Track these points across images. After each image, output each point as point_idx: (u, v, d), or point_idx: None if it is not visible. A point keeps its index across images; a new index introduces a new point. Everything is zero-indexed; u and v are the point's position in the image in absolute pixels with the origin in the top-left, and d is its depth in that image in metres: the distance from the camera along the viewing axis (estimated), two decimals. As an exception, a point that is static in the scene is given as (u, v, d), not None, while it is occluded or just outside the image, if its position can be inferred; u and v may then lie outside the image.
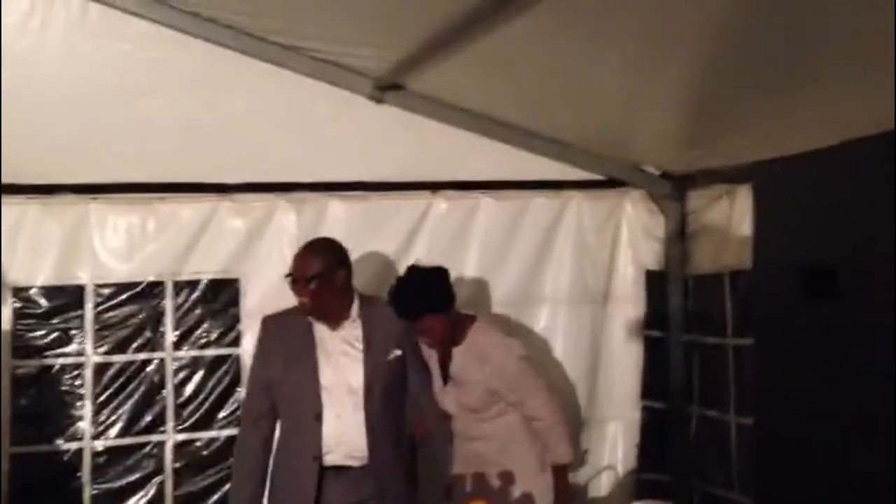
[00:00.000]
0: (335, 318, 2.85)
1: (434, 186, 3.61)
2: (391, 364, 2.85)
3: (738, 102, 2.74)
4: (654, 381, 3.75)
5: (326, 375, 2.81)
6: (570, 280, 3.72)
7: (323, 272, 2.78)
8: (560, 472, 2.92)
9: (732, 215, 3.40)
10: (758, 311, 3.12)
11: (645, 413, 3.76)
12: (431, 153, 3.56)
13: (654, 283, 3.78)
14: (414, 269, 2.97)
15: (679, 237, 3.72)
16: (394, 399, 2.86)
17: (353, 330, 2.86)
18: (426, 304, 2.85)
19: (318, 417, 2.78)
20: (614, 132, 3.46)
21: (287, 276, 2.82)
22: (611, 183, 3.80)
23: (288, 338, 2.87)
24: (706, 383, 3.62)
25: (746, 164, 3.16)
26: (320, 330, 2.86)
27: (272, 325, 2.95)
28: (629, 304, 3.79)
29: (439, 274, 2.95)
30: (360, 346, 2.84)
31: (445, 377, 3.00)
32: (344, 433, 2.78)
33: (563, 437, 2.94)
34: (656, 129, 3.32)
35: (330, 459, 2.79)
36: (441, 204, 3.61)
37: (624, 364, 3.77)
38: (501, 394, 2.91)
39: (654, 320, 3.77)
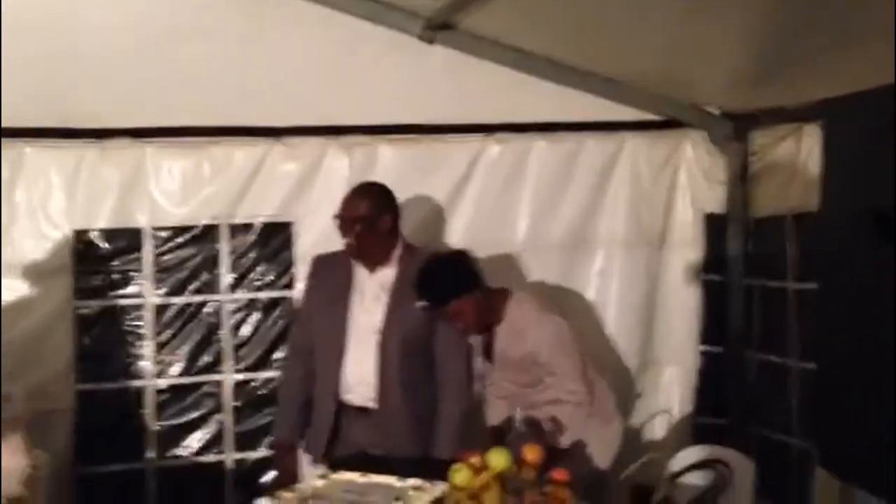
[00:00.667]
0: (376, 262, 2.86)
1: (486, 129, 3.56)
2: (417, 312, 2.83)
3: (805, 36, 2.61)
4: (712, 326, 3.69)
5: (356, 317, 2.84)
6: (626, 223, 3.66)
7: (369, 215, 2.80)
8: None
9: (798, 155, 3.28)
10: (822, 254, 3.02)
11: (702, 358, 3.71)
12: (483, 95, 3.50)
13: (714, 226, 3.69)
14: (434, 256, 2.94)
15: (740, 179, 3.62)
16: (414, 346, 2.85)
17: (389, 274, 2.87)
18: (451, 288, 2.81)
19: (341, 356, 2.82)
20: (673, 71, 3.35)
21: (335, 217, 2.84)
22: (669, 124, 3.69)
23: (331, 277, 2.93)
24: (766, 328, 3.55)
25: (815, 101, 3.03)
26: (360, 272, 2.89)
27: (319, 263, 3.03)
28: (687, 247, 3.72)
29: (461, 256, 2.95)
30: (388, 289, 2.85)
31: (490, 356, 2.99)
32: (363, 374, 2.82)
33: (576, 427, 2.87)
34: (718, 66, 3.20)
35: (349, 399, 2.84)
36: (493, 147, 3.56)
37: (681, 309, 3.72)
38: (544, 366, 2.90)
39: (713, 264, 3.70)
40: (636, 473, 2.73)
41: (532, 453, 2.17)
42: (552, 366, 2.89)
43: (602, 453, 2.94)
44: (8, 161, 3.16)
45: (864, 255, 1.80)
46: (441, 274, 2.84)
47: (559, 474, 2.12)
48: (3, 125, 3.03)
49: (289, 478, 2.79)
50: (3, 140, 3.11)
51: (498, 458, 2.12)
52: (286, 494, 2.25)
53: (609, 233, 3.65)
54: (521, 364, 2.93)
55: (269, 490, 2.37)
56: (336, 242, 2.94)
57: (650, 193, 3.68)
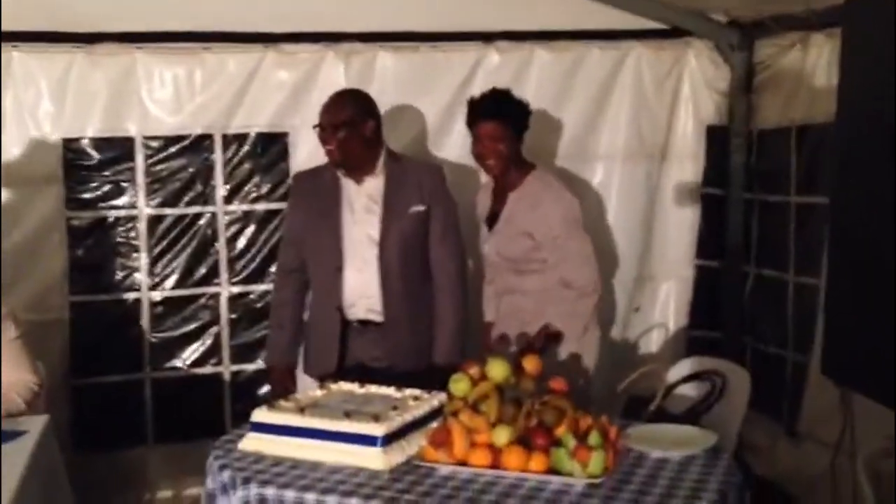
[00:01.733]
0: (361, 171, 2.80)
1: (486, 37, 3.46)
2: (412, 218, 2.79)
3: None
4: (710, 240, 3.67)
5: (348, 229, 2.80)
6: (627, 135, 3.59)
7: (350, 121, 2.72)
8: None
9: (805, 65, 3.20)
10: (834, 167, 2.96)
11: (699, 271, 3.70)
12: (483, 2, 3.39)
13: (715, 138, 3.63)
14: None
15: (744, 90, 3.54)
16: (413, 255, 2.82)
17: (376, 184, 2.81)
18: (503, 105, 2.86)
19: (340, 271, 2.79)
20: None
21: (315, 126, 2.77)
22: (672, 33, 3.59)
23: (316, 193, 2.86)
24: (765, 242, 3.53)
25: (829, 6, 2.92)
26: (347, 185, 2.82)
27: (302, 180, 2.96)
28: (688, 160, 3.67)
29: (521, 99, 2.95)
30: (376, 199, 2.80)
31: (492, 222, 2.96)
32: (364, 287, 2.79)
33: (587, 312, 2.86)
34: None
35: (352, 313, 2.82)
36: (493, 55, 3.46)
37: (680, 222, 3.69)
38: (543, 247, 2.86)
39: (714, 178, 3.65)
40: (632, 385, 2.75)
41: (530, 363, 2.16)
42: (563, 243, 2.84)
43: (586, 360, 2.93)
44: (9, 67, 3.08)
45: (879, 167, 1.75)
46: (503, 92, 2.91)
47: (557, 384, 2.12)
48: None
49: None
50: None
51: (497, 369, 2.12)
52: (284, 404, 2.25)
53: (609, 145, 3.59)
54: (518, 235, 2.89)
55: (266, 401, 2.37)
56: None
57: (652, 104, 3.60)
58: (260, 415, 2.18)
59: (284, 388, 2.80)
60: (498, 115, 2.85)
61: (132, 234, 3.28)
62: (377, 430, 2.02)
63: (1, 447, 2.14)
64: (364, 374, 2.64)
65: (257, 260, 3.39)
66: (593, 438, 1.93)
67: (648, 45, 3.56)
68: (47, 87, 3.13)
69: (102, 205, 3.24)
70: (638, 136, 3.61)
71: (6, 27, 2.97)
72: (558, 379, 2.16)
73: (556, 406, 1.97)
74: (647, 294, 3.70)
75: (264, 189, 3.38)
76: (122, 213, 3.26)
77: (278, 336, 2.94)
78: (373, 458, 2.00)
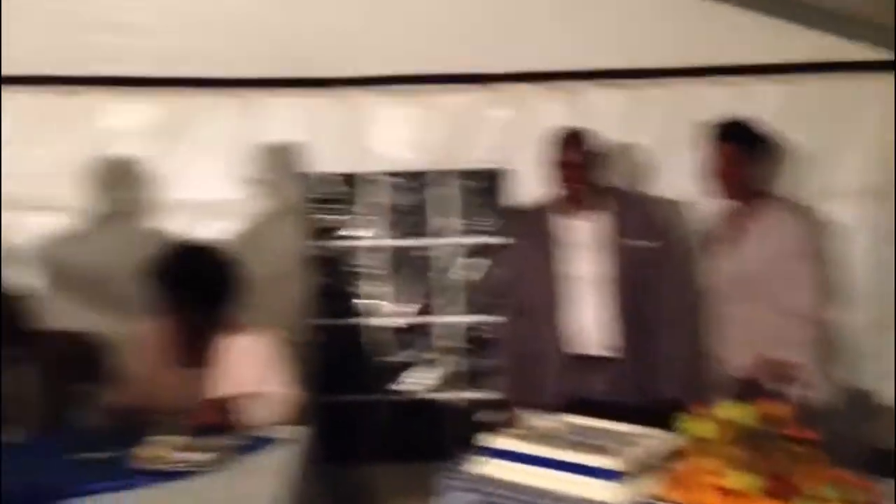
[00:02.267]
0: (588, 208, 2.85)
1: (700, 72, 3.40)
2: (639, 253, 2.79)
3: None
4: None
5: (576, 266, 2.84)
6: (859, 171, 3.41)
7: (585, 161, 2.80)
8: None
9: None
10: None
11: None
12: (698, 35, 3.36)
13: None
14: None
15: None
16: (640, 289, 2.81)
17: (601, 219, 2.84)
18: (744, 129, 2.97)
19: (564, 306, 2.81)
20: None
21: (551, 163, 2.85)
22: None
23: (536, 229, 2.93)
24: None
25: None
26: (569, 220, 2.87)
27: (521, 216, 3.04)
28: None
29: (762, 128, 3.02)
30: (606, 235, 2.82)
31: (726, 249, 2.91)
32: (589, 322, 2.81)
33: (812, 341, 2.76)
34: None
35: (577, 348, 2.84)
36: (709, 89, 3.38)
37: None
38: (779, 273, 2.78)
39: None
40: (872, 437, 2.60)
41: (777, 408, 2.09)
42: (795, 266, 2.79)
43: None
44: (251, 110, 3.39)
45: None
46: (745, 121, 3.02)
47: (807, 433, 2.03)
48: (250, 77, 3.29)
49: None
50: (244, 90, 3.35)
51: (739, 411, 2.06)
52: (517, 431, 2.30)
53: (843, 181, 3.43)
54: (759, 260, 2.86)
55: (494, 428, 2.44)
56: (548, 188, 2.97)
57: (882, 138, 3.40)
58: (493, 440, 2.25)
59: (515, 418, 2.88)
60: (737, 139, 2.93)
61: (370, 263, 3.51)
62: (616, 464, 2.04)
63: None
64: (587, 408, 2.66)
65: (482, 292, 3.50)
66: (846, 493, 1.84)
67: (879, 77, 3.38)
68: (293, 127, 3.42)
69: (342, 235, 3.50)
70: (869, 172, 3.42)
71: (258, 74, 3.31)
72: (804, 426, 2.07)
73: (804, 454, 1.90)
74: (884, 340, 3.48)
75: (485, 223, 3.50)
76: (360, 243, 3.50)
77: (513, 370, 3.02)
78: (610, 492, 2.01)
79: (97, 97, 3.35)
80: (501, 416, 3.06)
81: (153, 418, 2.65)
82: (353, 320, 3.52)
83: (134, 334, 2.93)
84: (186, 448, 2.42)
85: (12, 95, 3.31)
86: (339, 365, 3.49)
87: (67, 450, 2.48)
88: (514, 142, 3.42)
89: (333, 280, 3.50)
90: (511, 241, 3.16)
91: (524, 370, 3.00)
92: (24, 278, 3.20)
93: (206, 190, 3.39)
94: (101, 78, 3.33)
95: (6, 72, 3.23)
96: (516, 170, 3.43)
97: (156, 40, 3.30)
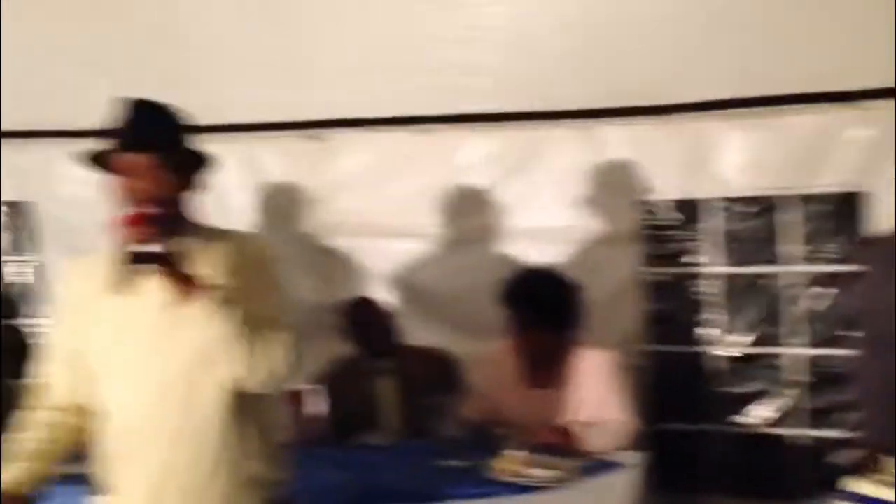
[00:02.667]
0: None
1: None
2: None
3: None
4: None
5: None
6: None
7: None
8: None
9: None
10: None
11: None
12: None
13: None
14: None
15: None
16: None
17: None
18: None
19: None
20: None
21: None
22: None
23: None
24: None
25: None
26: None
27: (879, 243, 2.78)
28: None
29: None
30: None
31: None
32: None
33: None
34: None
35: None
36: None
37: None
38: None
39: None
40: None
41: None
42: None
43: None
44: (590, 139, 3.50)
45: None
46: None
47: None
48: (589, 108, 3.40)
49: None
50: (584, 120, 3.47)
51: None
52: (877, 477, 2.15)
53: None
54: None
55: (847, 471, 2.29)
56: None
57: None
58: (857, 485, 2.12)
59: (873, 461, 2.68)
60: None
61: (707, 290, 3.44)
62: None
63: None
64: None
65: (830, 323, 3.30)
66: None
67: None
68: (632, 154, 3.46)
69: (676, 262, 3.48)
70: None
71: (597, 104, 3.39)
72: None
73: None
74: None
75: (837, 250, 3.30)
76: (695, 269, 3.46)
77: (871, 408, 2.81)
78: None
79: (448, 133, 3.64)
80: (854, 457, 2.85)
81: (503, 433, 2.83)
82: (690, 348, 3.48)
83: (485, 354, 3.15)
84: (538, 465, 2.55)
85: (374, 136, 3.71)
86: (674, 392, 3.46)
87: (427, 456, 2.73)
88: (874, 163, 3.19)
89: (669, 306, 3.49)
90: (863, 269, 2.93)
91: (884, 409, 2.77)
92: (386, 299, 3.58)
93: (546, 216, 3.55)
94: (451, 116, 3.62)
95: (372, 114, 3.65)
96: (874, 193, 3.19)
97: (498, 77, 3.52)
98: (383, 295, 3.64)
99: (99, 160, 1.99)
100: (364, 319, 3.30)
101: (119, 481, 1.98)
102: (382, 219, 3.72)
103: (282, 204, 3.80)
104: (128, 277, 1.83)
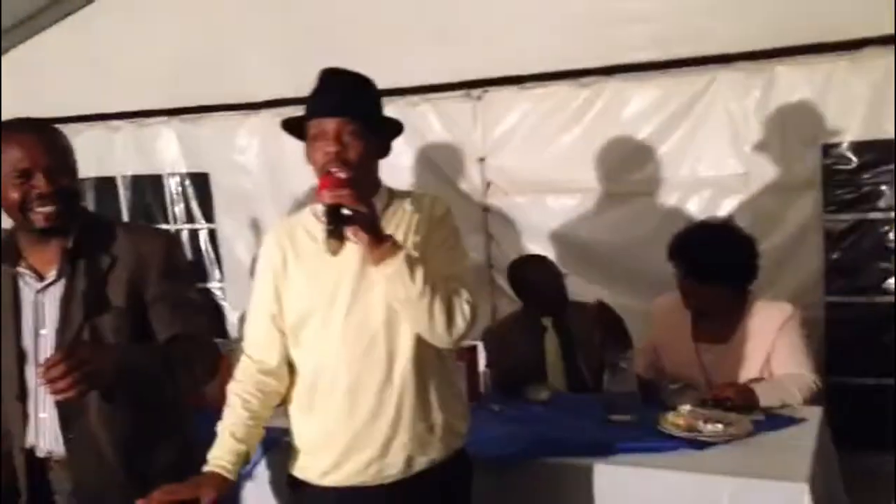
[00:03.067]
0: None
1: None
2: None
3: None
4: None
5: None
6: None
7: None
8: None
9: None
10: None
11: None
12: None
13: None
14: None
15: None
16: None
17: None
18: None
19: None
20: None
21: None
22: None
23: None
24: None
25: None
26: None
27: None
28: None
29: None
30: None
31: None
32: None
33: None
34: None
35: None
36: None
37: None
38: None
39: None
40: None
41: None
42: None
43: None
44: (759, 82, 3.32)
45: None
46: None
47: None
48: (758, 49, 3.22)
49: None
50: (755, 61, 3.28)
51: None
52: None
53: None
54: None
55: None
56: None
57: None
58: None
59: None
60: None
61: (889, 237, 3.22)
62: None
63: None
64: None
65: None
66: None
67: None
68: (810, 96, 3.25)
69: (859, 208, 3.25)
70: None
71: (774, 44, 3.22)
72: None
73: None
74: None
75: None
76: (879, 216, 3.23)
77: None
78: None
79: (609, 85, 3.55)
80: None
81: (675, 388, 2.77)
82: (872, 298, 3.25)
83: (655, 307, 3.09)
84: (711, 420, 2.48)
85: (533, 92, 3.67)
86: (853, 345, 3.25)
87: (595, 410, 2.71)
88: None
89: (851, 255, 3.27)
90: None
91: None
92: (549, 255, 3.56)
93: (716, 166, 3.42)
94: (613, 67, 3.52)
95: (530, 70, 3.61)
96: None
97: (659, 23, 3.40)
98: (546, 251, 3.63)
99: (296, 126, 2.06)
100: (533, 277, 3.29)
101: (315, 436, 2.07)
102: (544, 175, 3.70)
103: (444, 163, 3.85)
104: (329, 239, 1.88)
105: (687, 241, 2.87)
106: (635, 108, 3.52)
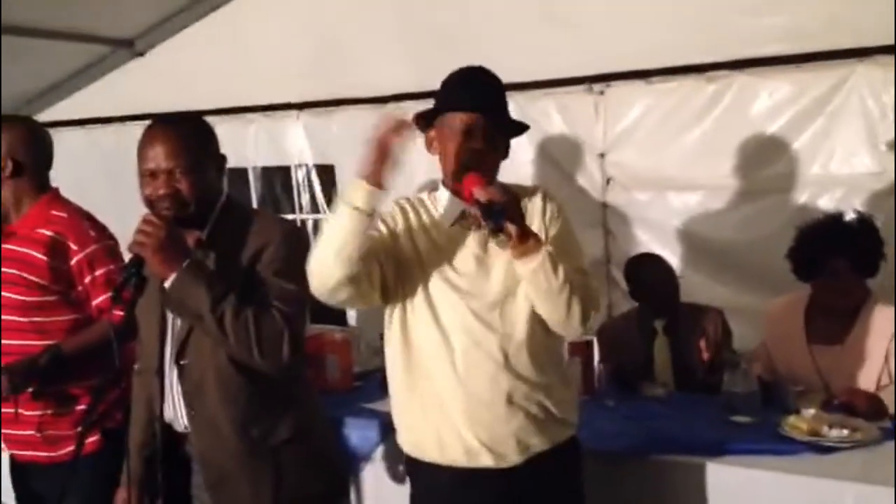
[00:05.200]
0: None
1: None
2: None
3: None
4: None
5: None
6: None
7: None
8: None
9: None
10: None
11: None
12: None
13: None
14: None
15: None
16: None
17: None
18: None
19: None
20: None
21: None
22: None
23: None
24: None
25: None
26: None
27: None
28: None
29: None
30: None
31: None
32: None
33: None
34: None
35: None
36: None
37: None
38: None
39: None
40: None
41: None
42: None
43: None
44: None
45: None
46: None
47: None
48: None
49: None
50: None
51: None
52: None
53: None
54: None
55: None
56: None
57: None
58: None
59: None
60: None
61: None
62: None
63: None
64: None
65: None
66: None
67: None
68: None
69: None
70: None
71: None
72: None
73: None
74: None
75: None
76: None
77: None
78: None
79: (736, 80, 3.45)
80: None
81: (796, 391, 2.69)
82: None
83: (772, 307, 3.01)
84: (835, 424, 2.41)
85: (656, 87, 3.60)
86: None
87: (711, 410, 2.66)
88: None
89: None
90: None
91: None
92: (668, 252, 3.51)
93: (848, 163, 3.28)
94: (740, 61, 3.43)
95: (653, 65, 3.55)
96: None
97: (790, 16, 3.28)
98: (665, 248, 3.57)
99: (425, 120, 2.12)
100: (649, 278, 3.25)
101: (425, 416, 2.11)
102: (666, 171, 3.64)
103: (563, 158, 3.84)
104: (496, 235, 1.92)
105: (815, 236, 2.80)
106: (765, 103, 3.41)
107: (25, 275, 2.52)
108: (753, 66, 3.40)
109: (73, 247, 2.53)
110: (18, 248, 2.55)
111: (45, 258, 2.52)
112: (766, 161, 3.44)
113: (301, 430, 2.21)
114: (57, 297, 2.54)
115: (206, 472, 2.21)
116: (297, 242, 2.19)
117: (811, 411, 2.48)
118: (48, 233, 2.53)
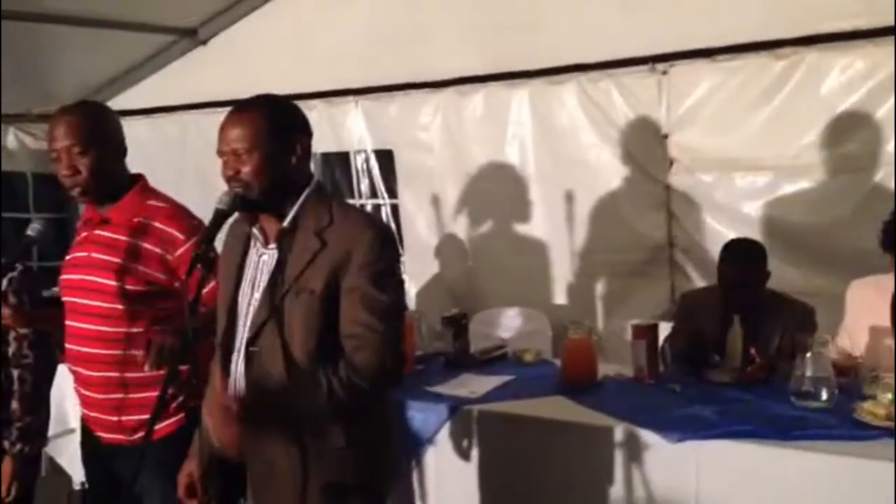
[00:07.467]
0: None
1: None
2: None
3: None
4: None
5: None
6: None
7: None
8: None
9: None
10: None
11: None
12: None
13: None
14: None
15: None
16: None
17: None
18: None
19: None
20: None
21: None
22: None
23: None
24: None
25: None
26: None
27: None
28: None
29: None
30: None
31: None
32: None
33: None
34: None
35: None
36: None
37: None
38: None
39: None
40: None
41: None
42: None
43: None
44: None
45: None
46: None
47: None
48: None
49: None
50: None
51: None
52: None
53: None
54: None
55: None
56: None
57: None
58: None
59: None
60: None
61: None
62: None
63: None
64: None
65: None
66: None
67: None
68: None
69: None
70: None
71: None
72: None
73: None
74: None
75: None
76: None
77: None
78: None
79: (805, 56, 3.35)
80: None
81: (874, 375, 2.60)
82: None
83: (849, 292, 2.90)
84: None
85: (722, 66, 3.51)
86: None
87: (787, 395, 2.59)
88: None
89: None
90: None
91: None
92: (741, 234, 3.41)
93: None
94: (810, 37, 3.32)
95: (718, 43, 3.46)
96: None
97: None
98: (731, 231, 3.48)
99: None
100: (733, 268, 3.05)
101: None
102: (732, 152, 3.56)
103: (625, 140, 3.78)
104: None
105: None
106: (836, 80, 3.31)
107: (121, 261, 2.42)
108: (824, 42, 3.29)
109: (180, 237, 2.44)
110: (114, 236, 2.45)
111: (153, 248, 2.44)
112: (838, 140, 3.33)
113: (357, 440, 2.09)
114: (157, 287, 2.45)
115: (252, 464, 2.17)
116: (391, 245, 2.11)
117: (889, 396, 2.40)
118: (157, 224, 2.45)
